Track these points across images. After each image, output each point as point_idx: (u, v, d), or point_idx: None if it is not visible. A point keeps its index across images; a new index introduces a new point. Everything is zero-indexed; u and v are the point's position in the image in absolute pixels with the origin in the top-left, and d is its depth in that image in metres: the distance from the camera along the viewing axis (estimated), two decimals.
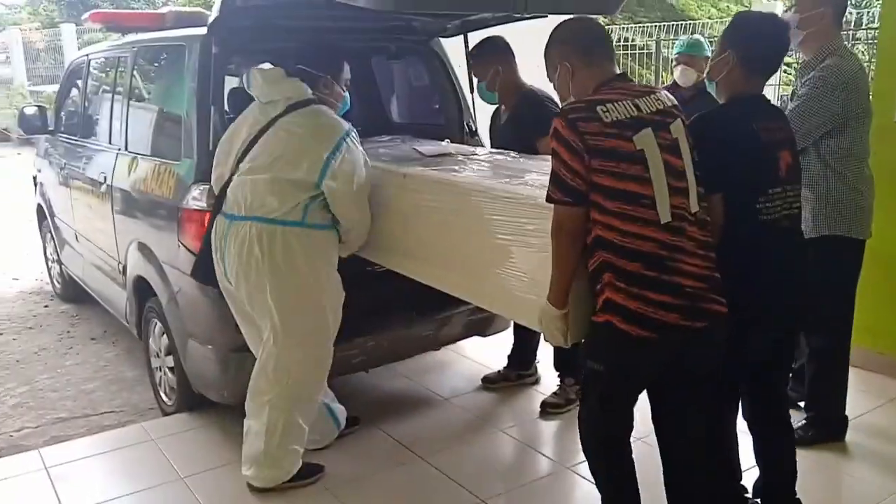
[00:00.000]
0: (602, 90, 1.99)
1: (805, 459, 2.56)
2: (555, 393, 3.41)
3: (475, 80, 3.34)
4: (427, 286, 2.72)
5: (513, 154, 2.92)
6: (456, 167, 2.65)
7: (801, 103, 2.81)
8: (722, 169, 2.08)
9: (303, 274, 2.64)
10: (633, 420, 2.13)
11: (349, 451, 3.05)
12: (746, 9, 12.53)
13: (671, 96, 2.11)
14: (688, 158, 2.00)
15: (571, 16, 2.17)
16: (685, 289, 1.93)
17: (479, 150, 3.16)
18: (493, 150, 3.13)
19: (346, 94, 2.87)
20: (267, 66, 2.77)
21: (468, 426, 3.29)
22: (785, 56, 2.43)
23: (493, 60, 3.22)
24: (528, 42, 3.11)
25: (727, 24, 2.40)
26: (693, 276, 1.95)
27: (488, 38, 3.26)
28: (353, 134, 2.68)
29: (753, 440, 2.45)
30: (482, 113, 3.55)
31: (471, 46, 3.39)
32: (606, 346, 2.00)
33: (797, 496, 2.42)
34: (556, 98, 2.39)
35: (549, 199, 1.94)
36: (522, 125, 3.17)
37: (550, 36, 2.11)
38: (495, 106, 3.41)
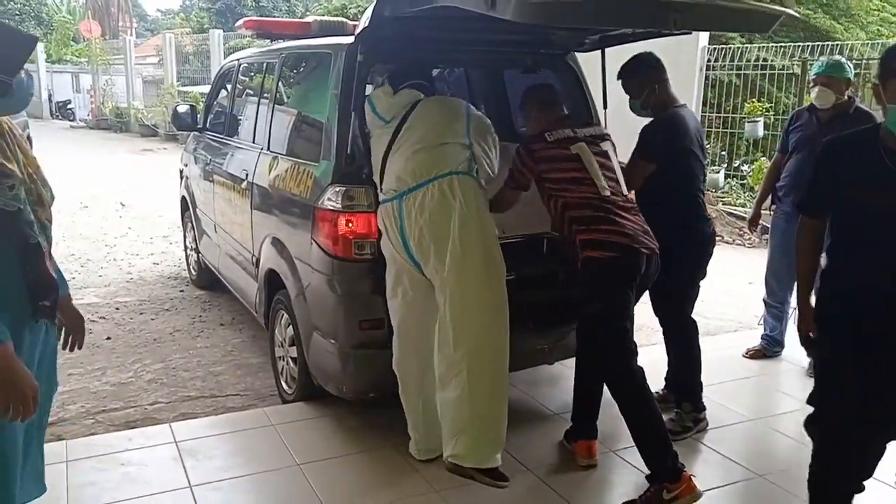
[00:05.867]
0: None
1: None
2: (671, 419, 3.31)
3: (628, 98, 3.27)
4: (547, 300, 2.74)
5: None
6: None
7: None
8: None
9: (479, 210, 2.81)
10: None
11: None
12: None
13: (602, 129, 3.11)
14: (616, 164, 3.00)
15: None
16: (626, 229, 2.81)
17: None
18: None
19: None
20: (381, 88, 3.05)
21: None
22: None
23: (649, 79, 3.18)
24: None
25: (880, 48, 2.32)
26: (630, 223, 2.83)
27: (642, 56, 3.20)
28: (469, 104, 3.08)
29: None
30: (619, 129, 3.47)
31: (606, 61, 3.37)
32: (591, 279, 2.84)
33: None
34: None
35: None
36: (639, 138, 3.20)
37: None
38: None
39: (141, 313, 5.24)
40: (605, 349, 2.91)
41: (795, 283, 4.34)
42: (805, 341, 2.44)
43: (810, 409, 3.65)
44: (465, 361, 2.69)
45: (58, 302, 2.03)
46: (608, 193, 2.87)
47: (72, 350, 2.23)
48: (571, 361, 3.83)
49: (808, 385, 3.96)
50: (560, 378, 3.95)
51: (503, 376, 2.77)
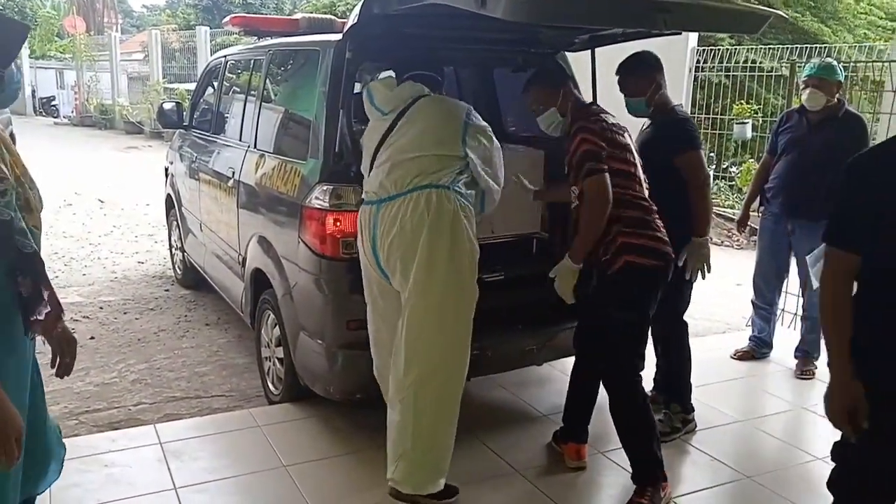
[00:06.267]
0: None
1: None
2: (659, 420, 3.30)
3: (627, 97, 3.21)
4: (536, 300, 2.72)
5: None
6: None
7: None
8: None
9: (452, 230, 2.66)
10: None
11: None
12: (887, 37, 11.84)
13: None
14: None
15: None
16: (665, 236, 2.75)
17: None
18: None
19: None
20: (384, 75, 2.89)
21: None
22: None
23: (655, 75, 3.15)
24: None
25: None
26: (663, 229, 2.77)
27: (645, 54, 3.15)
28: (472, 109, 2.85)
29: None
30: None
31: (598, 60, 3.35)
32: (630, 286, 2.71)
33: None
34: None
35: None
36: (664, 140, 3.17)
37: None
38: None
39: (125, 313, 5.18)
40: (627, 359, 2.79)
41: (784, 285, 4.42)
42: (842, 420, 1.83)
43: (799, 410, 3.67)
44: (413, 388, 2.64)
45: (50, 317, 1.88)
46: (647, 194, 2.81)
47: (60, 376, 2.00)
48: (560, 363, 3.85)
49: (796, 386, 4.03)
50: (548, 380, 3.94)
51: (452, 405, 2.69)
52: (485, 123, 2.85)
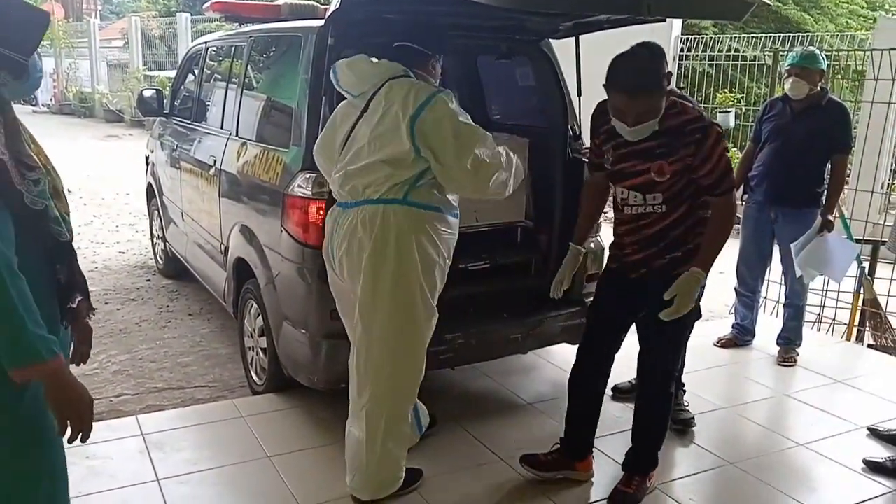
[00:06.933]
0: None
1: None
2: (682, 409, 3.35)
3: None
4: (521, 289, 2.71)
5: None
6: None
7: None
8: None
9: (399, 252, 2.47)
10: None
11: (431, 445, 3.06)
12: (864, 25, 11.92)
13: None
14: None
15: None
16: None
17: None
18: None
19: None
20: (354, 57, 2.64)
21: (552, 433, 3.23)
22: None
23: (664, 64, 3.07)
24: None
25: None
26: None
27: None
28: (446, 94, 2.48)
29: None
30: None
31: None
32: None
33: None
34: None
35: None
36: None
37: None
38: None
39: (106, 303, 5.12)
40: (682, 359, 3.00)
41: (767, 273, 4.44)
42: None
43: (781, 397, 3.70)
44: (366, 408, 2.61)
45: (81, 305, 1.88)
46: None
47: (77, 364, 1.99)
48: (544, 352, 3.86)
49: (778, 373, 4.06)
50: (532, 368, 3.94)
51: (402, 423, 2.67)
52: (452, 110, 2.46)
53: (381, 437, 2.61)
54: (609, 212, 2.96)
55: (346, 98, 2.67)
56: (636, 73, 2.36)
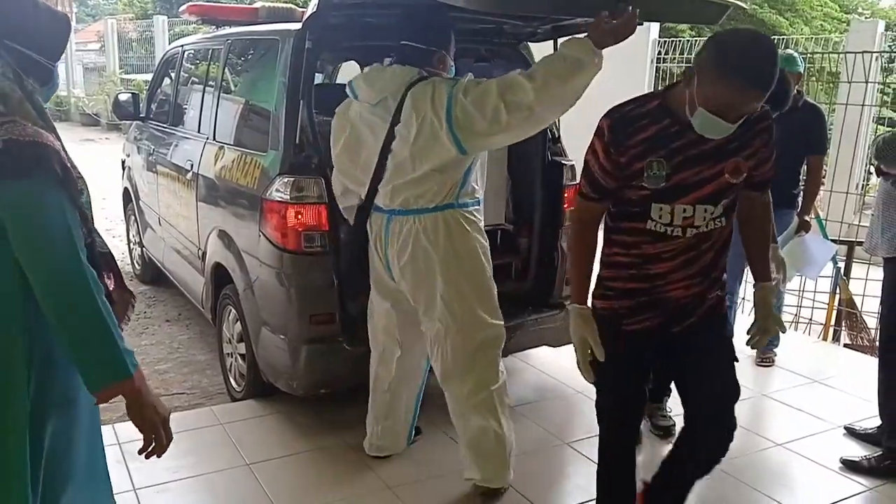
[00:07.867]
0: None
1: None
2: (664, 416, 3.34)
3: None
4: (501, 293, 2.72)
5: None
6: None
7: None
8: None
9: (467, 250, 2.63)
10: None
11: (413, 452, 3.05)
12: (842, 29, 12.07)
13: None
14: None
15: None
16: None
17: None
18: None
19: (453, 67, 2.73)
20: (367, 69, 2.68)
21: (534, 437, 3.24)
22: None
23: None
24: None
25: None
26: None
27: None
28: (458, 83, 2.47)
29: None
30: (576, 119, 3.44)
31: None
32: None
33: None
34: None
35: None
36: None
37: None
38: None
39: None
40: None
41: (744, 274, 4.47)
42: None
43: (759, 398, 3.72)
44: (480, 396, 2.67)
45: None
46: None
47: None
48: (524, 355, 3.86)
49: (756, 374, 4.09)
50: (513, 371, 3.93)
51: (505, 393, 2.77)
52: (468, 85, 2.45)
53: (503, 412, 2.70)
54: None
55: (345, 100, 2.73)
56: (774, 67, 1.85)
